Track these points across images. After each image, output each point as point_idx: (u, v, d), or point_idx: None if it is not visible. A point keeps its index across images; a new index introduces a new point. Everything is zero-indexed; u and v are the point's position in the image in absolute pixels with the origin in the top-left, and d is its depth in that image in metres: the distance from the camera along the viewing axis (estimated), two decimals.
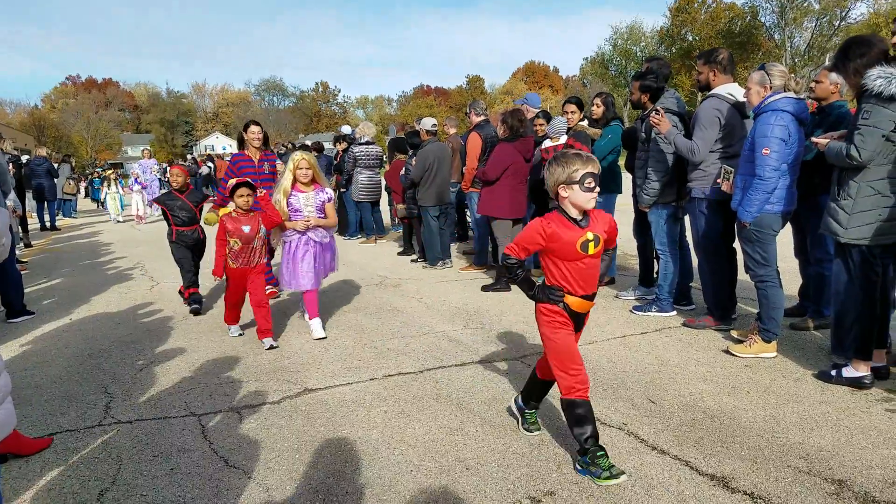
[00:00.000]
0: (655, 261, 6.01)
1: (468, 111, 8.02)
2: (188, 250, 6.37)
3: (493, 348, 4.78)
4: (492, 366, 4.41)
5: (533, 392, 3.32)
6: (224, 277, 5.10)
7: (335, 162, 11.97)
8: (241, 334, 5.33)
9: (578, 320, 2.99)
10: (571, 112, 6.49)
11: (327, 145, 16.42)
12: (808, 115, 4.18)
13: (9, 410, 1.97)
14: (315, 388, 4.09)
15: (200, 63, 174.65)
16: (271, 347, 4.92)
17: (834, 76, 4.49)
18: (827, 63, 4.68)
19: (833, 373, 3.85)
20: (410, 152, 8.58)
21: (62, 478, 3.06)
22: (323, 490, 2.86)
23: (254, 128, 6.65)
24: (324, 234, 5.25)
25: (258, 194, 5.15)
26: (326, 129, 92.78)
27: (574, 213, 2.84)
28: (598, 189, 2.80)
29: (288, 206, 5.09)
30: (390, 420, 3.55)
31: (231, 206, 5.16)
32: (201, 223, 6.28)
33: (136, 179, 17.26)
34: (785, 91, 4.14)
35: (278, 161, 6.96)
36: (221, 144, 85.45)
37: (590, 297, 2.95)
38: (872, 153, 3.45)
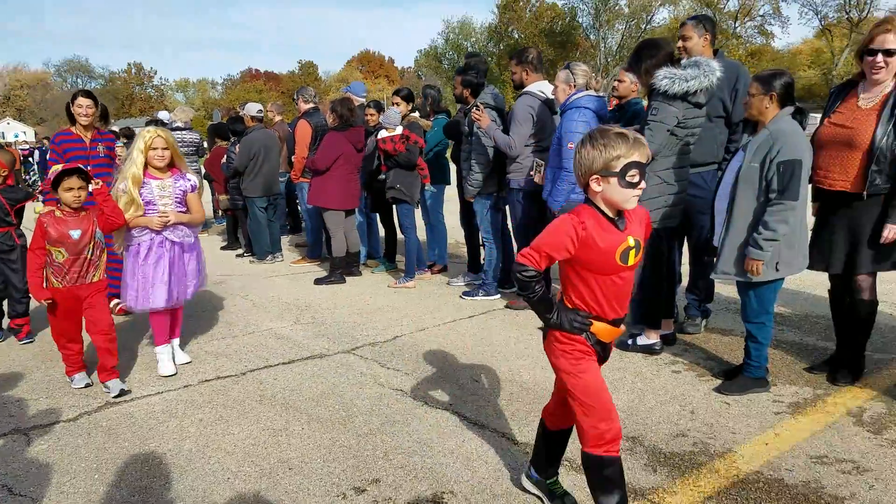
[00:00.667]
0: (482, 248, 6.20)
1: (296, 98, 7.74)
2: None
3: (324, 343, 4.65)
4: (322, 360, 4.29)
5: (549, 452, 2.57)
6: (47, 302, 3.74)
7: None
8: (88, 384, 3.89)
9: (605, 351, 2.36)
10: (397, 104, 6.48)
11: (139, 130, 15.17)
12: (606, 112, 4.55)
13: None
14: (118, 400, 3.70)
15: None
16: (121, 394, 3.72)
17: (631, 75, 4.87)
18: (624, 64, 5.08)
19: (629, 341, 4.24)
20: (233, 139, 8.12)
21: None
22: None
23: (82, 100, 5.24)
24: (186, 232, 4.14)
25: (92, 186, 3.74)
26: (140, 114, 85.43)
27: (609, 212, 2.17)
28: (643, 184, 2.13)
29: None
30: (206, 428, 3.31)
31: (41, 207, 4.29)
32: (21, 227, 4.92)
33: None
34: (587, 89, 4.49)
35: (118, 142, 5.77)
36: (13, 131, 75.64)
37: (619, 322, 2.29)
38: (660, 146, 3.81)
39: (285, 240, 9.05)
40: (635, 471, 2.80)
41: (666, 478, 2.76)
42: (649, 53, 3.95)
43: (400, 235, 6.56)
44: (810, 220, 3.53)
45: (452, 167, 6.57)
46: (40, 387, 3.97)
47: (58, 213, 3.69)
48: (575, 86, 4.54)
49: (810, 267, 3.55)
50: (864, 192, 3.30)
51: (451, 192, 6.63)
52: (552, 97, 4.96)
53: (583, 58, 64.20)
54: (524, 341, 4.55)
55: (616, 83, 5.06)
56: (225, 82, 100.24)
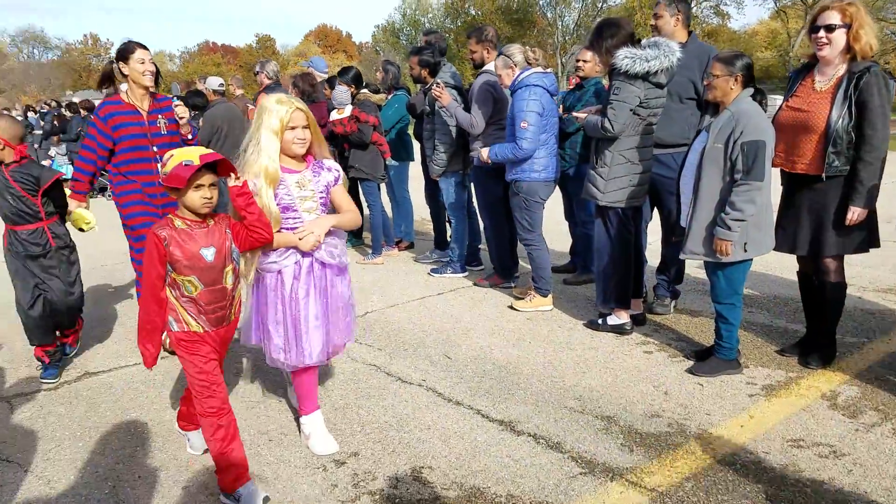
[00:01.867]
0: (448, 225, 6.35)
1: (258, 71, 7.67)
2: (29, 268, 3.61)
3: None
4: None
5: None
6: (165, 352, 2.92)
7: None
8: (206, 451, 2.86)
9: None
10: (347, 84, 6.46)
11: (98, 102, 14.80)
12: (556, 88, 4.64)
13: None
14: (97, 370, 3.80)
15: None
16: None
17: (591, 54, 5.00)
18: (576, 48, 5.19)
19: (600, 321, 4.36)
20: (193, 113, 8.04)
21: None
22: (112, 477, 2.71)
23: (142, 52, 3.81)
24: (339, 249, 2.89)
25: (232, 182, 2.50)
26: (98, 87, 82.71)
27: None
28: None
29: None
30: None
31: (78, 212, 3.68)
32: (61, 224, 3.78)
33: None
34: (528, 64, 4.56)
35: (178, 107, 4.05)
36: None
37: None
38: (623, 125, 3.91)
39: None
40: (612, 450, 2.85)
41: (643, 457, 2.79)
42: (610, 32, 4.01)
43: (366, 212, 6.65)
44: (776, 202, 3.61)
45: (416, 144, 6.64)
46: (21, 357, 4.03)
47: (178, 222, 2.43)
48: (516, 65, 4.62)
49: (777, 248, 3.60)
50: (823, 175, 3.37)
51: (416, 169, 6.72)
52: None
53: (540, 36, 64.22)
54: (494, 319, 4.66)
55: (581, 63, 5.17)
56: (182, 55, 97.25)
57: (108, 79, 3.98)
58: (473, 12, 66.12)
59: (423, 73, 5.62)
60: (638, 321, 4.41)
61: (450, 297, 5.25)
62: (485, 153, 4.79)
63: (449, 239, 6.27)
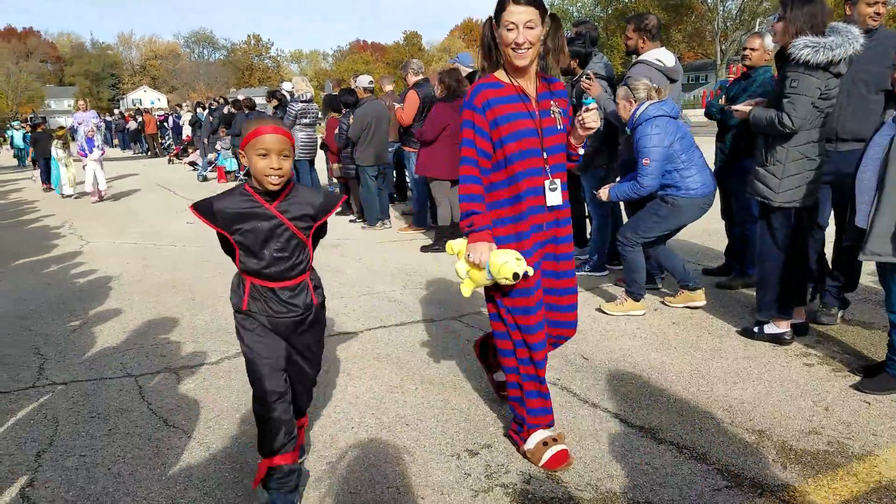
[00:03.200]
0: (588, 221, 6.21)
1: (404, 71, 7.96)
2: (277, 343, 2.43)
3: (432, 308, 4.88)
4: (431, 324, 4.51)
5: None
6: None
7: None
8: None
9: None
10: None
11: (259, 101, 15.99)
12: (677, 112, 4.44)
13: None
14: None
15: (126, 12, 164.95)
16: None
17: (766, 40, 4.65)
18: (758, 29, 4.84)
19: (755, 329, 4.04)
20: (345, 111, 8.47)
21: None
22: None
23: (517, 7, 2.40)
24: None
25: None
26: (259, 84, 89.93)
27: None
28: None
29: None
30: (332, 379, 3.62)
31: None
32: None
33: (88, 140, 11.93)
34: (649, 100, 4.41)
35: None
36: (150, 98, 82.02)
37: None
38: (804, 120, 3.57)
39: (392, 207, 9.41)
40: (762, 466, 2.69)
41: (797, 476, 2.61)
42: (813, 11, 3.57)
43: None
44: None
45: None
46: (187, 332, 4.45)
47: None
48: (636, 100, 4.49)
49: None
50: None
51: None
52: (670, 66, 4.90)
53: (698, 22, 60.98)
54: (635, 321, 4.50)
55: (748, 51, 4.85)
56: (335, 53, 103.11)
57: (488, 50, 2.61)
58: (626, 0, 64.07)
59: (572, 64, 5.52)
60: (799, 331, 4.06)
61: (587, 295, 5.12)
62: (604, 194, 4.67)
63: (588, 236, 6.14)
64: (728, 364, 3.74)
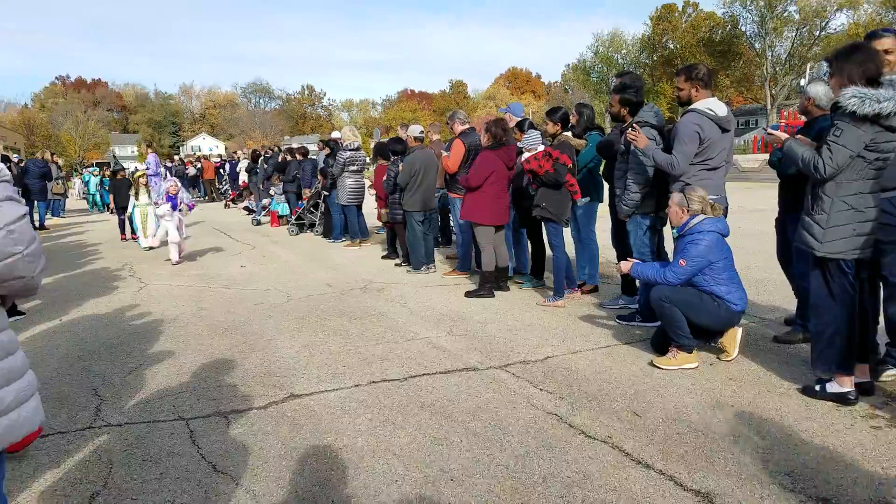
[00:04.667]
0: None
1: (449, 122, 8.14)
2: None
3: (476, 356, 4.87)
4: (476, 373, 4.49)
5: None
6: None
7: (321, 166, 12.07)
8: None
9: None
10: (546, 124, 6.58)
11: (311, 147, 16.49)
12: (728, 229, 4.55)
13: (36, 406, 2.01)
14: (301, 393, 4.16)
15: (188, 65, 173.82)
16: None
17: (819, 90, 4.60)
18: (808, 75, 4.80)
19: (817, 388, 3.86)
20: (393, 158, 8.68)
21: (54, 480, 3.11)
22: (309, 498, 2.92)
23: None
24: None
25: None
26: (311, 132, 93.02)
27: None
28: None
29: None
30: (375, 428, 3.63)
31: None
32: None
33: (170, 197, 9.69)
34: (702, 214, 4.50)
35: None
36: (208, 145, 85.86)
37: None
38: (836, 170, 3.52)
39: (437, 252, 9.49)
40: None
41: None
42: (860, 59, 3.56)
43: (549, 251, 6.66)
44: None
45: (606, 184, 6.55)
46: (238, 375, 4.55)
47: None
48: (689, 211, 4.55)
49: None
50: None
51: (603, 210, 6.63)
52: (722, 115, 4.90)
53: (746, 67, 60.61)
54: (691, 376, 4.36)
55: (806, 102, 4.80)
56: (384, 102, 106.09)
57: None
58: (672, 46, 64.30)
59: (622, 112, 5.58)
60: (864, 390, 3.84)
61: (639, 347, 5.00)
62: (626, 266, 4.81)
63: (638, 285, 6.06)
64: (789, 425, 3.57)
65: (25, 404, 1.92)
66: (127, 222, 12.65)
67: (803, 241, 3.78)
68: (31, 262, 1.84)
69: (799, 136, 4.11)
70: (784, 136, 3.89)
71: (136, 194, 11.29)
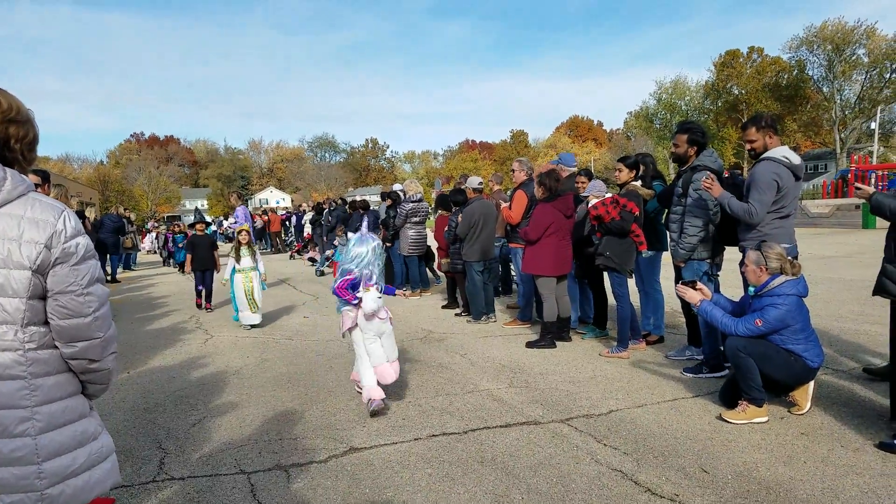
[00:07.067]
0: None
1: (515, 169, 8.15)
2: None
3: (538, 409, 4.75)
4: (537, 427, 4.38)
5: None
6: None
7: (382, 217, 12.29)
8: None
9: None
10: (620, 170, 6.50)
11: (374, 198, 16.85)
12: (807, 290, 4.37)
13: (110, 469, 2.06)
14: (360, 447, 4.13)
15: (257, 120, 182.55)
16: None
17: None
18: (873, 125, 4.68)
19: None
20: (454, 209, 8.75)
21: None
22: None
23: None
24: None
25: None
26: (375, 183, 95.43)
27: None
28: None
29: None
30: (434, 483, 3.55)
31: None
32: None
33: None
34: (782, 273, 4.34)
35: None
36: (276, 198, 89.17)
37: None
38: None
39: (497, 301, 9.43)
40: None
41: None
42: None
43: (611, 300, 6.51)
44: None
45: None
46: (299, 427, 4.56)
47: None
48: (768, 270, 4.38)
49: None
50: None
51: (667, 259, 6.46)
52: (796, 163, 4.82)
53: (814, 111, 59.12)
54: (761, 430, 4.16)
55: None
56: (445, 153, 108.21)
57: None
58: (736, 91, 63.47)
59: (689, 152, 5.54)
60: None
61: (707, 400, 4.81)
62: (696, 297, 4.66)
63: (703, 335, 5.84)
64: (865, 482, 3.37)
65: (98, 466, 1.97)
66: (206, 289, 10.35)
67: (885, 289, 3.63)
68: (104, 349, 1.94)
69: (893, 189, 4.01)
70: (871, 189, 3.80)
71: (238, 256, 8.58)
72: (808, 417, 4.33)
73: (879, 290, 3.66)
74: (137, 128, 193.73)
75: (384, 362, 4.76)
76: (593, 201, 6.31)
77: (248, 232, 8.82)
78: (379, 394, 4.73)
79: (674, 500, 3.27)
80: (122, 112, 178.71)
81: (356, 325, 4.83)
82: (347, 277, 4.76)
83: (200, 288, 10.38)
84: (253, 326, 8.52)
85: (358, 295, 4.74)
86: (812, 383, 4.41)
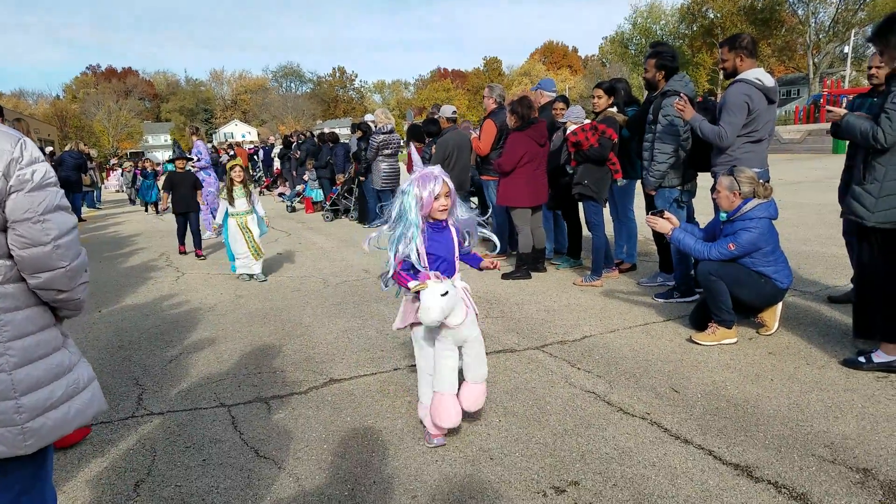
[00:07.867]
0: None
1: (486, 95, 7.94)
2: None
3: (513, 338, 4.83)
4: (513, 355, 4.46)
5: None
6: None
7: (353, 150, 12.08)
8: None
9: None
10: (598, 97, 6.39)
11: (344, 131, 16.52)
12: (777, 214, 4.39)
13: (89, 399, 2.04)
14: (340, 378, 4.18)
15: (218, 50, 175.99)
16: None
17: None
18: (853, 39, 4.63)
19: (861, 359, 3.82)
20: (428, 140, 8.61)
21: (99, 469, 3.17)
22: (351, 480, 2.94)
23: None
24: None
25: None
26: (344, 115, 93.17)
27: None
28: None
29: None
30: (415, 410, 3.61)
31: None
32: None
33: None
34: (755, 197, 4.35)
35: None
36: (241, 132, 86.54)
37: None
38: None
39: None
40: None
41: None
42: None
43: (586, 232, 6.54)
44: None
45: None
46: (278, 361, 4.59)
47: None
48: (740, 194, 4.37)
49: None
50: None
51: (640, 187, 6.47)
52: (769, 85, 4.76)
53: (788, 35, 58.65)
54: (730, 351, 4.29)
55: (875, 70, 4.62)
56: (416, 82, 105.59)
57: None
58: (712, 15, 62.49)
59: (657, 76, 5.45)
60: None
61: (678, 324, 4.94)
62: (666, 226, 4.65)
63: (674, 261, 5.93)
64: (829, 397, 3.51)
65: (77, 397, 1.95)
66: (190, 231, 9.26)
67: (853, 211, 3.70)
68: (71, 279, 1.85)
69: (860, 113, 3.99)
70: (843, 111, 3.78)
71: (231, 198, 7.20)
72: (775, 337, 4.47)
73: (848, 212, 3.73)
74: (93, 60, 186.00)
75: (453, 390, 3.16)
76: (572, 127, 6.21)
77: (241, 168, 7.36)
78: (442, 429, 3.19)
79: (645, 419, 3.39)
80: (75, 43, 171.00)
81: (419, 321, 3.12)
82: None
83: (184, 232, 9.35)
84: (252, 277, 7.40)
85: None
86: (780, 304, 4.53)
